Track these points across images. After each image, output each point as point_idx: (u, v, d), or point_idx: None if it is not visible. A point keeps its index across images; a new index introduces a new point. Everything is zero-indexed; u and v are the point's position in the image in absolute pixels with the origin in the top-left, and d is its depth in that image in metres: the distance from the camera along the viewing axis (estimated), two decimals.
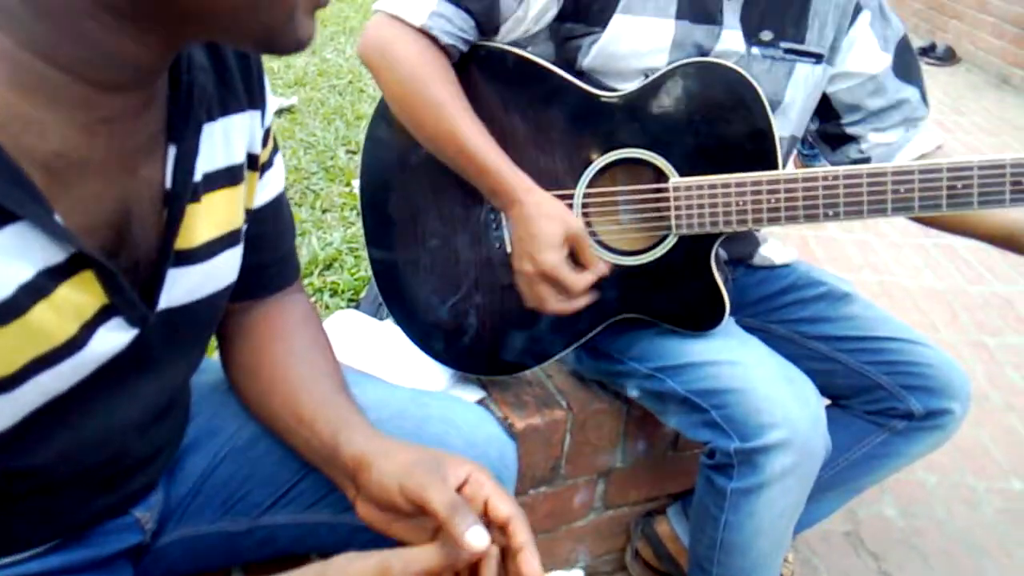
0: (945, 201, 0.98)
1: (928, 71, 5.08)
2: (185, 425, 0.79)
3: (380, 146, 1.18)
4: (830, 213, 1.02)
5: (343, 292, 2.04)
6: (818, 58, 1.11)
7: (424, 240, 1.18)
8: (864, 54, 1.13)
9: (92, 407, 0.60)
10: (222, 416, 0.82)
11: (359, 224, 2.44)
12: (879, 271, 2.51)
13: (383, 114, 1.15)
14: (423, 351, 1.22)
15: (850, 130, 1.17)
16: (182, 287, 0.63)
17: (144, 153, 0.57)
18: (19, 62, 0.46)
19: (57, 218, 0.49)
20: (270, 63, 3.47)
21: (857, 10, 1.12)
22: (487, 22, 1.06)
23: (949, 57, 5.16)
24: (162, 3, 0.48)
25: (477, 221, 1.14)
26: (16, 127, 0.46)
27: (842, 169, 1.00)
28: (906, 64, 1.15)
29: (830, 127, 1.18)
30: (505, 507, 0.62)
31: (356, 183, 2.69)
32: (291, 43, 0.53)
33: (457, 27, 1.04)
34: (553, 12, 1.08)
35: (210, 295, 0.67)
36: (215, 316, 0.72)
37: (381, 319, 1.60)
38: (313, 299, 1.97)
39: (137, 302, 0.58)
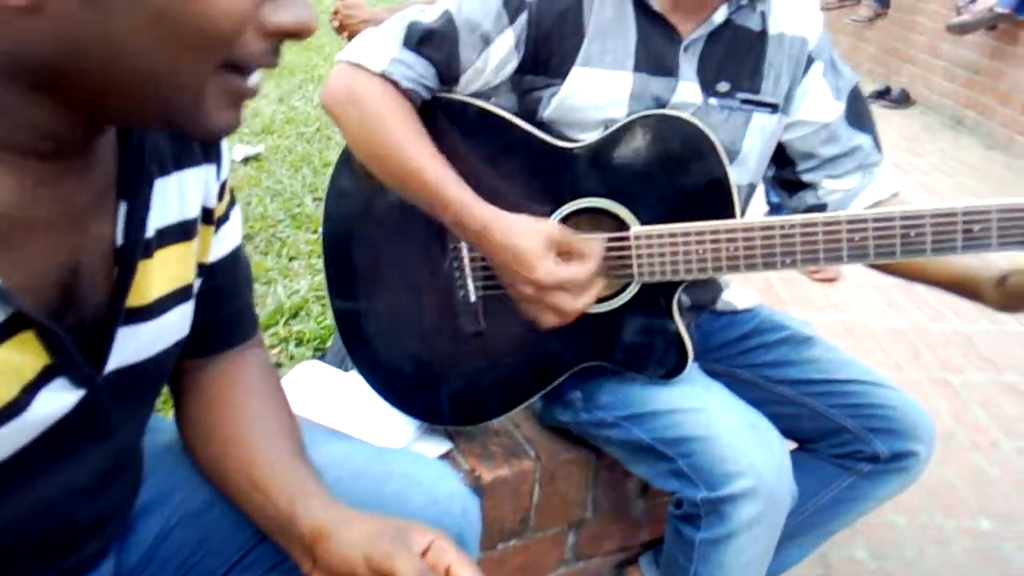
0: (899, 249, 1.00)
1: (884, 114, 5.22)
2: (137, 488, 0.77)
3: (342, 195, 1.18)
4: (788, 261, 1.03)
5: (309, 341, 2.01)
6: (774, 108, 1.14)
7: (387, 290, 1.17)
8: (817, 103, 1.15)
9: (38, 473, 0.58)
10: (176, 477, 0.80)
11: None
12: (842, 311, 2.55)
13: (346, 162, 1.15)
14: (388, 402, 1.21)
15: (805, 177, 1.19)
16: (132, 346, 0.62)
17: (93, 210, 0.57)
18: None
19: None
20: None
21: (810, 61, 1.15)
22: (447, 71, 1.08)
23: (904, 100, 5.33)
24: (63, 77, 0.47)
25: (440, 269, 1.14)
26: None
27: (798, 218, 1.02)
28: (858, 112, 1.17)
29: (786, 173, 1.21)
30: (467, 574, 0.62)
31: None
32: (201, 132, 0.52)
33: (417, 73, 1.06)
34: (513, 64, 1.10)
35: (159, 352, 0.66)
36: (164, 374, 0.71)
37: (346, 370, 1.58)
38: (278, 349, 1.95)
39: (82, 363, 0.57)
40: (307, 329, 2.04)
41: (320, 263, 2.46)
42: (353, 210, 1.17)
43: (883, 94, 5.41)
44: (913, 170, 4.03)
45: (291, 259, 2.47)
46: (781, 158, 1.19)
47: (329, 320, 2.11)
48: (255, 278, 2.39)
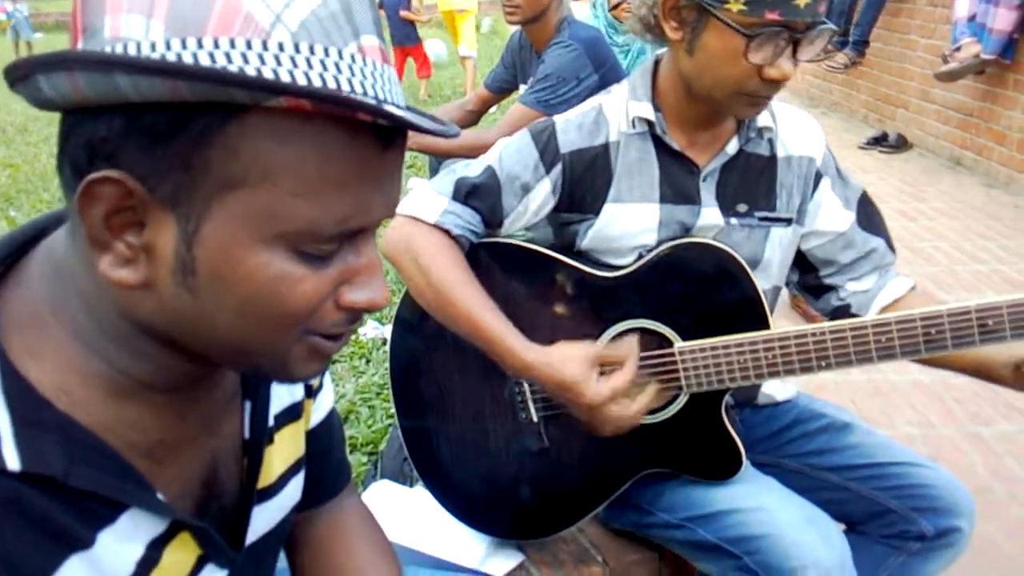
0: (923, 347, 1.09)
1: (883, 159, 5.28)
2: None
3: (406, 327, 1.28)
4: (823, 364, 1.13)
5: (362, 446, 2.09)
6: (788, 221, 1.25)
7: (453, 414, 1.27)
8: (830, 214, 1.26)
9: None
10: None
11: (370, 373, 2.53)
12: (868, 370, 2.61)
13: (408, 298, 1.26)
14: (460, 520, 1.29)
15: (828, 281, 1.29)
16: (262, 521, 0.71)
17: (224, 414, 0.67)
18: (112, 379, 0.56)
19: (159, 496, 0.57)
20: None
21: (818, 177, 1.26)
22: (492, 218, 1.20)
23: (901, 144, 5.46)
24: (173, 338, 0.55)
25: (502, 394, 1.24)
26: (122, 428, 0.56)
27: (828, 325, 1.12)
28: (868, 217, 1.28)
29: (811, 279, 1.31)
30: None
31: (362, 331, 2.79)
32: (284, 378, 0.60)
33: (466, 221, 1.18)
34: (551, 206, 1.22)
35: (282, 520, 0.75)
36: (285, 535, 0.79)
37: (406, 475, 1.66)
38: None
39: (227, 549, 0.66)
40: (359, 434, 2.13)
41: (363, 364, 2.57)
42: (416, 341, 1.28)
43: (880, 140, 5.55)
44: (919, 216, 4.13)
45: (334, 362, 2.57)
46: (804, 265, 1.30)
47: (379, 423, 2.19)
48: None
